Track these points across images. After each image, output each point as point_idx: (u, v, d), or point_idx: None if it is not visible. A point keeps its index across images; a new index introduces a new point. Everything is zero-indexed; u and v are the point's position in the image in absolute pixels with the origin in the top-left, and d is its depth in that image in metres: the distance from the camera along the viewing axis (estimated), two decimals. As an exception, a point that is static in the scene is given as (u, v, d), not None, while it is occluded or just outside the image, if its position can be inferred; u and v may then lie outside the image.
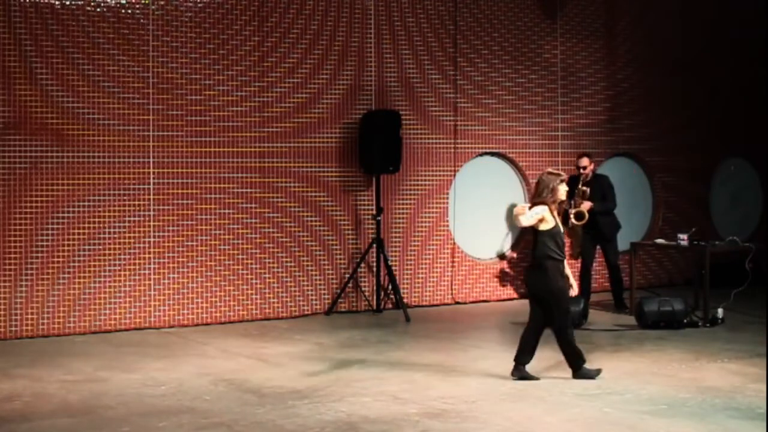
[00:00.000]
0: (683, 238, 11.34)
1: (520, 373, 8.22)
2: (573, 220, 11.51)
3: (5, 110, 10.14)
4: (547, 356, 9.18)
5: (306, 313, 11.56)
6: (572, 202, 11.50)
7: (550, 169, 8.40)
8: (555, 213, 8.16)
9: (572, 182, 11.77)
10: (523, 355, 8.27)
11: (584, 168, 11.73)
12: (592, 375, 8.20)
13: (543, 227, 8.07)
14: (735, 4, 14.61)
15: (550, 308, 8.14)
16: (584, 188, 11.60)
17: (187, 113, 10.96)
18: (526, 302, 12.12)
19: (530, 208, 8.08)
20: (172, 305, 10.85)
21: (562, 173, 8.26)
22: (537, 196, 8.15)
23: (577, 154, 12.17)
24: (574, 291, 8.37)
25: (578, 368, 8.22)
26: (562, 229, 8.21)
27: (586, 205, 11.55)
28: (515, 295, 12.87)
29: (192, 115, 10.99)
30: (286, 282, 11.47)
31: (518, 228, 13.11)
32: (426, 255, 12.36)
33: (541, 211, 8.02)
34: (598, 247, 11.89)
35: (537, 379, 8.19)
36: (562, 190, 8.14)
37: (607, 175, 12.07)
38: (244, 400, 7.60)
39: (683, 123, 14.28)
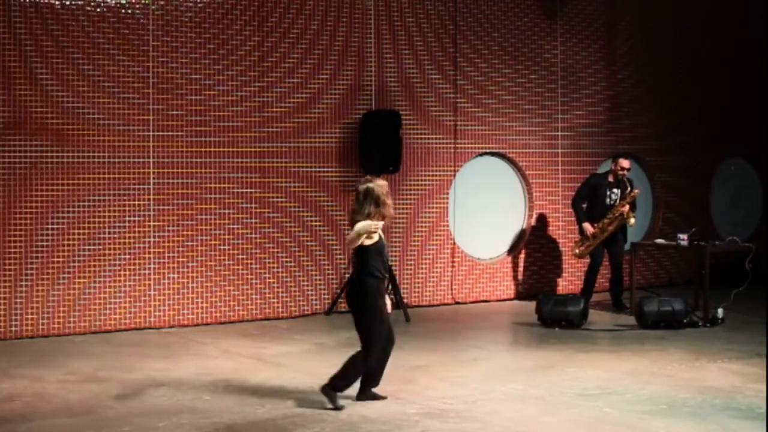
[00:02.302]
0: (683, 238, 11.35)
1: (365, 395, 7.55)
2: (632, 220, 11.61)
3: (5, 110, 10.14)
4: (544, 356, 9.20)
5: (306, 313, 11.56)
6: (622, 201, 11.69)
7: (371, 178, 7.59)
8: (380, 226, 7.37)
9: (616, 181, 11.82)
10: (372, 379, 7.57)
11: (628, 169, 11.90)
12: (334, 402, 7.32)
13: (367, 242, 7.30)
14: (735, 4, 14.61)
15: (362, 327, 7.43)
16: (636, 191, 11.69)
17: (187, 113, 10.96)
18: (526, 303, 12.30)
19: (354, 222, 7.29)
20: (172, 305, 10.85)
21: (384, 182, 7.48)
22: (364, 207, 7.31)
23: (614, 154, 12.38)
24: (389, 309, 7.55)
25: (334, 388, 7.37)
26: (386, 245, 7.49)
27: (626, 207, 11.66)
28: (515, 295, 12.88)
29: (192, 115, 10.99)
30: (286, 282, 11.47)
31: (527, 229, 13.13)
32: (426, 255, 12.36)
33: (373, 226, 7.23)
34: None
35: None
36: (390, 203, 7.39)
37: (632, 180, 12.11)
38: (244, 400, 7.60)
39: (683, 123, 14.28)
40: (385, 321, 7.44)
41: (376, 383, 7.60)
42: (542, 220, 13.13)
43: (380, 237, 7.40)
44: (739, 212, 14.92)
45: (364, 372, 7.48)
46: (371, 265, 7.34)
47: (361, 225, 7.23)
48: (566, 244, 12.75)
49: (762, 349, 9.23)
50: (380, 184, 7.41)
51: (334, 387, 7.38)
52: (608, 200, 11.83)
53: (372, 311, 7.37)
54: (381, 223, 7.30)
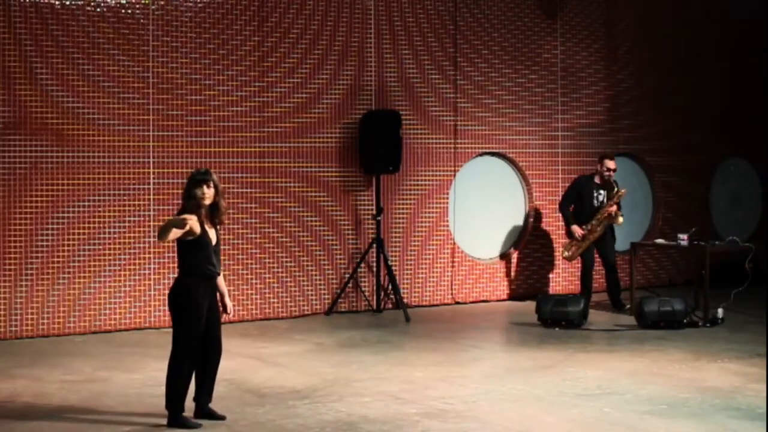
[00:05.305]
0: (683, 238, 11.34)
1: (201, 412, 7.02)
2: (620, 219, 11.62)
3: (5, 110, 10.14)
4: (544, 356, 9.19)
5: (306, 313, 11.56)
6: (609, 201, 11.68)
7: (204, 170, 7.06)
8: (204, 220, 6.92)
9: (603, 183, 11.78)
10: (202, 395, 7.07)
11: (614, 170, 11.82)
12: (190, 425, 6.82)
13: (188, 237, 6.85)
14: (735, 4, 14.61)
15: (173, 330, 6.92)
16: (623, 190, 11.67)
17: (187, 113, 10.96)
18: (526, 303, 12.31)
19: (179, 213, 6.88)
20: (172, 305, 10.84)
21: (202, 175, 6.91)
22: (185, 200, 6.93)
23: (599, 155, 12.17)
24: (228, 314, 7.20)
25: (172, 413, 6.84)
26: (212, 240, 6.94)
27: (614, 208, 11.65)
28: (515, 295, 12.88)
29: (192, 115, 10.99)
30: (286, 282, 11.47)
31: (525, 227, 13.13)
32: (426, 255, 12.36)
33: (180, 221, 6.76)
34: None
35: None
36: (200, 194, 6.84)
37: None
38: (244, 400, 7.60)
39: (683, 123, 14.29)
40: (196, 328, 6.83)
41: (207, 398, 7.04)
42: (542, 220, 13.13)
43: (204, 232, 6.87)
44: (738, 212, 14.92)
45: (171, 382, 6.83)
46: (187, 263, 6.90)
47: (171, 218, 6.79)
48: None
49: (762, 349, 9.23)
50: (193, 177, 6.89)
51: (170, 417, 6.83)
52: (595, 202, 11.83)
53: (181, 313, 6.85)
54: (187, 216, 6.74)
